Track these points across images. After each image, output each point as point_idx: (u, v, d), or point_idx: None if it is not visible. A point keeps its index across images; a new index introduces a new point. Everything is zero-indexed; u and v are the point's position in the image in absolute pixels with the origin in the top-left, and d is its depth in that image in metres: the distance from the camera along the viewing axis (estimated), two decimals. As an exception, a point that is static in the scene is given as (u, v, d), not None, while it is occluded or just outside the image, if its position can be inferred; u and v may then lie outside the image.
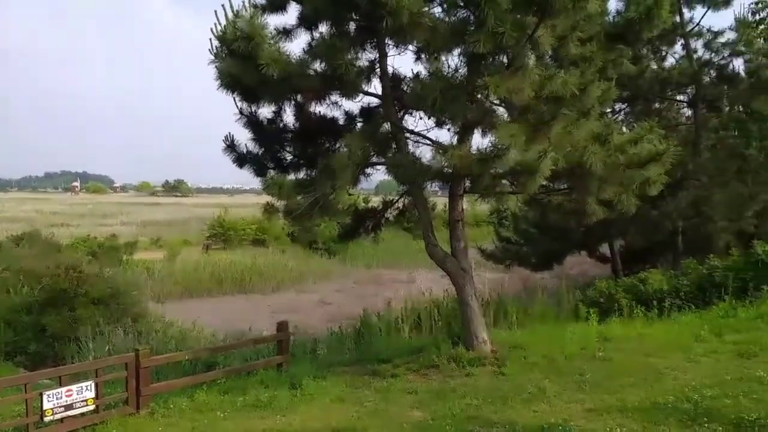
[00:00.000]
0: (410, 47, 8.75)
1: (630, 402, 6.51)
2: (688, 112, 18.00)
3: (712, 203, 14.81)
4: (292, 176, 9.34)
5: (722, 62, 16.51)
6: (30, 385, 6.75)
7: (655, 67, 16.37)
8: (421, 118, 9.01)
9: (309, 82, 8.20)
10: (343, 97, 9.10)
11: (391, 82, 8.95)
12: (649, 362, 8.09)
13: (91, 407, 7.06)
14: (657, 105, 17.49)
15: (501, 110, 8.53)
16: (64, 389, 6.82)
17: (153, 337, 12.93)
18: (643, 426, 5.76)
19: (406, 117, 9.32)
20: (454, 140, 8.58)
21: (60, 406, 6.77)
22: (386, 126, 8.95)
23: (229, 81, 8.41)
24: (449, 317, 12.53)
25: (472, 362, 8.40)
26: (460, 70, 7.97)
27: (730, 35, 16.59)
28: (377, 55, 8.78)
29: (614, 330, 10.08)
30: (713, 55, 16.54)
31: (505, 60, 7.60)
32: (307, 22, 8.83)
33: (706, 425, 5.62)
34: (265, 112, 9.55)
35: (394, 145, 8.82)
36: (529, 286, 17.54)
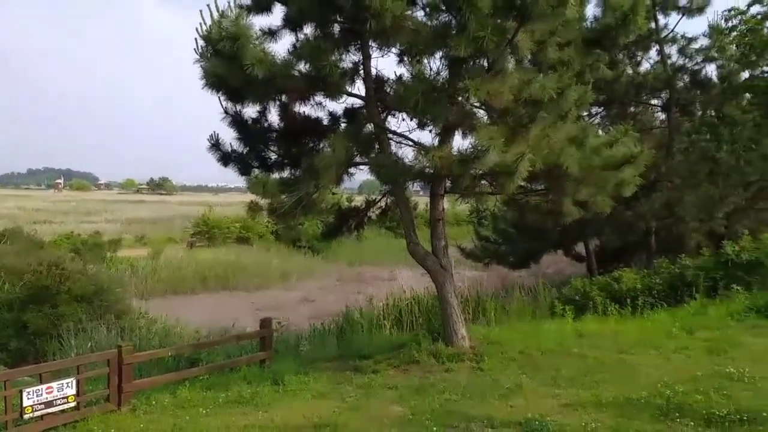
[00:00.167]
0: (393, 50, 8.86)
1: (604, 397, 6.63)
2: (662, 116, 18.40)
3: (684, 204, 15.15)
4: (276, 175, 9.40)
5: (695, 68, 16.95)
6: (10, 382, 6.71)
7: (630, 71, 16.72)
8: (403, 120, 9.15)
9: (293, 82, 8.28)
10: (327, 97, 9.20)
11: (375, 83, 9.07)
12: (623, 358, 8.28)
13: (72, 404, 7.04)
14: (632, 109, 17.81)
15: (481, 113, 8.67)
16: (44, 386, 6.78)
17: (136, 334, 12.89)
18: (617, 421, 5.86)
19: (389, 118, 9.44)
20: (436, 141, 8.69)
21: (40, 403, 6.73)
22: (369, 127, 9.07)
23: (215, 80, 8.46)
24: (429, 314, 12.69)
25: (451, 358, 8.53)
26: (441, 73, 8.10)
27: (703, 41, 17.06)
28: (361, 57, 8.91)
29: (589, 327, 10.28)
30: (687, 60, 16.96)
31: (485, 64, 7.73)
32: (291, 23, 8.90)
33: (678, 420, 5.74)
34: (250, 111, 9.62)
35: (377, 146, 8.95)
36: (507, 284, 17.76)
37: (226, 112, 9.43)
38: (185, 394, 7.75)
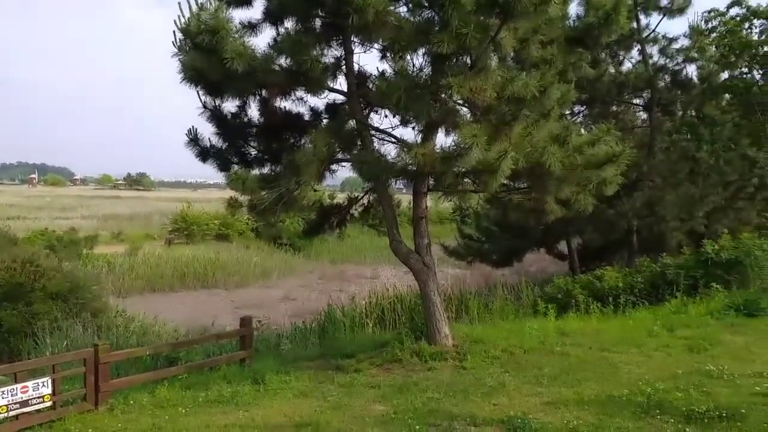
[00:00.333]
0: (376, 45, 8.82)
1: (586, 395, 6.65)
2: (643, 115, 18.59)
3: (665, 203, 15.32)
4: (256, 171, 9.27)
5: (676, 68, 17.12)
6: (-17, 382, 6.59)
7: (612, 71, 16.83)
8: (386, 116, 9.11)
9: (274, 77, 8.18)
10: (308, 93, 9.12)
11: (357, 79, 8.99)
12: (605, 356, 8.32)
13: (48, 404, 6.93)
14: (614, 108, 17.96)
15: (464, 110, 8.66)
16: (19, 385, 6.67)
17: (113, 332, 12.68)
18: (598, 418, 5.88)
19: (372, 114, 9.38)
20: (419, 139, 8.66)
21: (15, 403, 6.62)
22: (351, 123, 8.99)
23: (193, 74, 8.32)
24: (412, 312, 12.65)
25: (434, 356, 8.51)
26: (424, 70, 8.04)
27: (684, 42, 17.24)
28: (343, 52, 8.82)
29: (571, 325, 10.33)
30: (668, 60, 17.13)
31: (468, 61, 7.70)
32: (272, 17, 8.79)
33: (658, 417, 5.78)
34: (230, 106, 9.49)
35: (359, 142, 8.87)
36: (490, 282, 17.82)
37: (204, 106, 9.29)
38: (164, 394, 7.63)
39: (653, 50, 17.19)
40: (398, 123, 9.13)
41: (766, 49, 17.38)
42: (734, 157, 17.22)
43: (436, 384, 7.44)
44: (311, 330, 12.85)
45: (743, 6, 18.15)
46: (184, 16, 8.15)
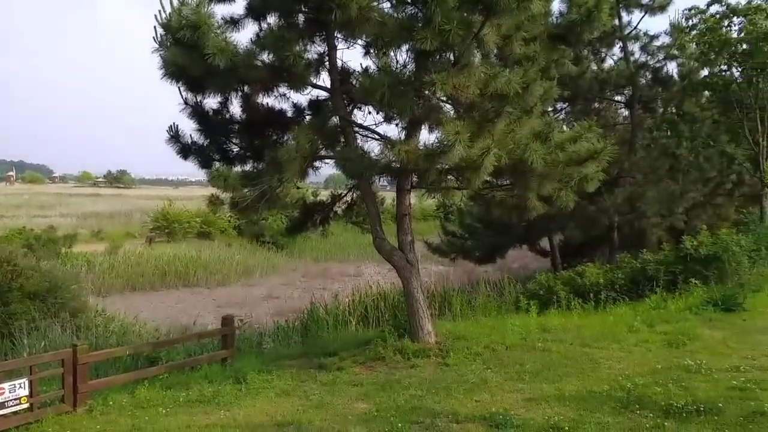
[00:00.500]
0: (359, 41, 8.78)
1: (567, 391, 6.70)
2: (625, 112, 18.75)
3: (646, 200, 15.48)
4: (238, 168, 9.21)
5: (657, 65, 17.31)
6: (-41, 383, 6.45)
7: (594, 68, 16.97)
8: (369, 113, 9.09)
9: (256, 73, 8.12)
10: (291, 89, 9.06)
11: (340, 75, 8.95)
12: (586, 352, 8.37)
13: (25, 405, 6.80)
14: (596, 105, 18.10)
15: (447, 107, 8.65)
16: (-5, 387, 6.55)
17: (93, 332, 12.50)
18: (579, 414, 5.92)
19: (355, 111, 9.34)
20: (402, 135, 8.65)
21: (-9, 405, 6.49)
22: (335, 119, 8.95)
23: (174, 70, 8.23)
24: (396, 310, 12.66)
25: (417, 354, 8.51)
26: (408, 66, 8.05)
27: (664, 39, 17.41)
28: (326, 48, 8.77)
29: (553, 321, 10.38)
30: (649, 58, 17.30)
31: (451, 57, 7.70)
32: (255, 12, 8.72)
33: (638, 412, 5.83)
34: (211, 102, 9.40)
35: (342, 139, 8.83)
36: (473, 279, 17.91)
37: (186, 102, 9.19)
38: (144, 394, 7.54)
39: (635, 47, 17.37)
40: (382, 120, 9.12)
41: (745, 46, 17.61)
42: (713, 154, 17.50)
43: (419, 381, 7.45)
44: (294, 328, 12.78)
45: (723, 4, 18.39)
46: (164, 11, 8.05)
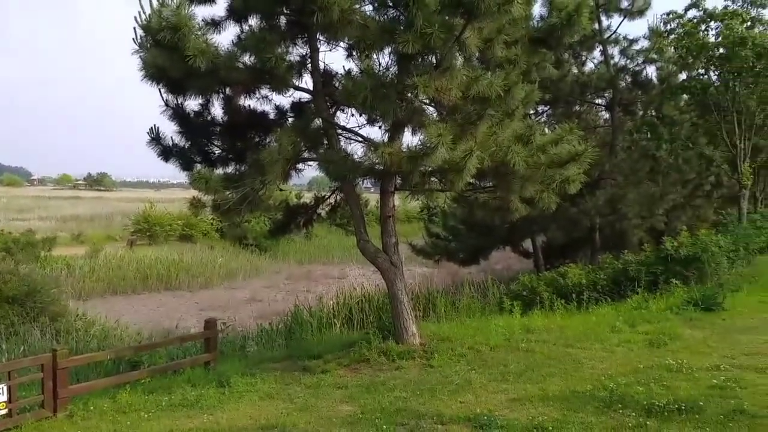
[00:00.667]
0: (342, 44, 8.76)
1: (551, 391, 6.74)
2: (605, 115, 18.98)
3: (627, 201, 15.67)
4: (220, 170, 9.13)
5: (637, 68, 17.53)
6: (-65, 390, 6.34)
7: (575, 71, 17.14)
8: (352, 115, 9.07)
9: (238, 75, 8.07)
10: (273, 91, 9.02)
11: (323, 77, 8.94)
12: (569, 352, 8.43)
13: (4, 411, 6.69)
14: (577, 108, 18.27)
15: (430, 109, 8.68)
16: (-27, 393, 6.44)
17: (73, 337, 12.38)
18: (563, 414, 5.95)
19: (338, 113, 9.34)
20: (385, 138, 8.66)
21: (-32, 412, 6.39)
22: (317, 122, 8.94)
23: (155, 72, 8.17)
24: (380, 312, 12.67)
25: (401, 355, 8.51)
26: (390, 69, 8.04)
27: (644, 43, 17.67)
28: (308, 51, 8.76)
29: (536, 322, 10.43)
30: (628, 61, 17.54)
31: (433, 60, 7.73)
32: (236, 14, 8.66)
33: (620, 411, 5.88)
34: (193, 104, 9.35)
35: (325, 141, 8.82)
36: (456, 281, 17.97)
37: (166, 104, 9.11)
38: (126, 399, 7.46)
39: (614, 51, 17.61)
40: (365, 122, 9.12)
41: (722, 51, 17.93)
42: (692, 156, 17.79)
43: (404, 383, 7.45)
44: (277, 331, 12.74)
45: (700, 8, 18.72)
46: (144, 12, 7.98)
